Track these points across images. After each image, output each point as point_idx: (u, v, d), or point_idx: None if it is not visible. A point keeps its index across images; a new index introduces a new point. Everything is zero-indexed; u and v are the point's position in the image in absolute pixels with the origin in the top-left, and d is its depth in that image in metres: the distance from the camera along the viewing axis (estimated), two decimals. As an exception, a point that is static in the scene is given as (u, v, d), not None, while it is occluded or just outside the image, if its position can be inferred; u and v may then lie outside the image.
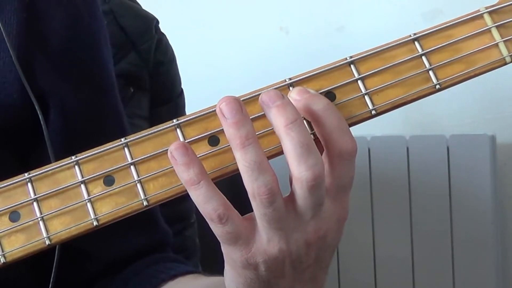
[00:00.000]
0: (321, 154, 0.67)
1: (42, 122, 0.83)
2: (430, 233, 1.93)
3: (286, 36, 2.06)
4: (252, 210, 0.66)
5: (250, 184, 0.64)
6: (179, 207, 1.30)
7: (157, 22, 1.34)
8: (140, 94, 1.31)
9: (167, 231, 0.93)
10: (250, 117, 0.65)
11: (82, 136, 0.86)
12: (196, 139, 0.67)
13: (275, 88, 0.67)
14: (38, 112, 0.83)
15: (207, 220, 0.65)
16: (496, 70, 0.71)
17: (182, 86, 1.37)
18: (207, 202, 0.64)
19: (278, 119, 0.64)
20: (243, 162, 0.64)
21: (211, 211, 0.64)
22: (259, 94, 0.66)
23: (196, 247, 1.36)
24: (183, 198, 0.68)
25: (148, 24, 1.33)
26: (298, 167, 0.63)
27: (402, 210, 1.93)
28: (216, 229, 0.65)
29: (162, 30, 1.35)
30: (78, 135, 0.86)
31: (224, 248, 0.67)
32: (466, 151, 1.90)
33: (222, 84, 2.02)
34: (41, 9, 0.87)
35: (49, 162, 0.75)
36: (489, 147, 1.89)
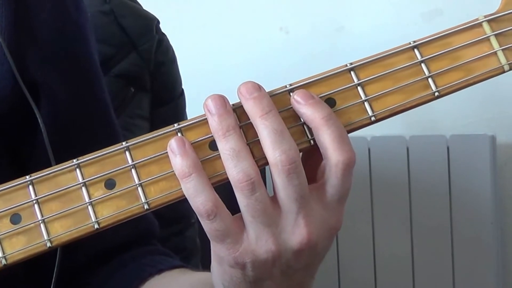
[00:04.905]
0: (320, 163, 0.67)
1: (37, 114, 0.82)
2: (430, 233, 1.93)
3: (286, 36, 2.05)
4: None
5: (230, 172, 0.65)
6: (179, 207, 1.29)
7: (158, 22, 1.34)
8: (141, 95, 1.31)
9: (153, 221, 0.93)
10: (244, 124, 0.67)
11: (72, 127, 0.87)
12: (196, 143, 0.67)
13: (275, 94, 0.68)
14: (32, 104, 0.83)
15: (197, 215, 0.65)
16: (497, 70, 0.71)
17: (183, 87, 1.37)
18: (196, 196, 0.65)
19: (254, 110, 0.66)
20: (224, 151, 0.65)
21: (199, 205, 0.65)
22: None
23: (196, 247, 1.36)
24: (184, 199, 0.68)
25: (149, 24, 1.33)
26: (273, 153, 0.65)
27: (402, 210, 1.93)
28: (205, 225, 0.65)
29: (163, 30, 1.35)
30: (68, 125, 0.87)
31: (213, 245, 0.67)
32: (466, 151, 1.90)
33: (223, 84, 2.00)
34: (29, 0, 0.87)
35: (41, 153, 0.75)
36: (489, 147, 1.89)
